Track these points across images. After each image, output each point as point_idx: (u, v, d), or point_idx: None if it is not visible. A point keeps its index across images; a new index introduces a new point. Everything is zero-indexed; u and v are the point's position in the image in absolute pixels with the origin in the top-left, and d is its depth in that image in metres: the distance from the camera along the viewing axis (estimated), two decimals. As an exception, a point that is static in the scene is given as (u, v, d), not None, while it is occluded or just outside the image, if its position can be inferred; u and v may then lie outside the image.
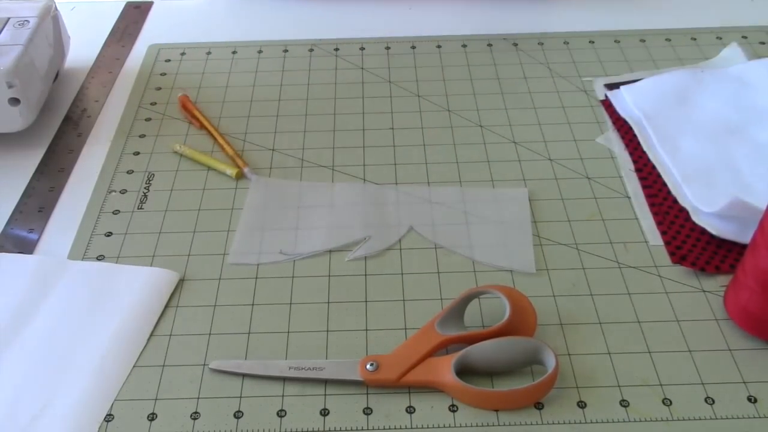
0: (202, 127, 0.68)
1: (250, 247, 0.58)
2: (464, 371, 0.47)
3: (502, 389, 0.47)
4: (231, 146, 0.66)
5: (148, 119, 0.71)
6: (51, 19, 0.71)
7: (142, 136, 0.69)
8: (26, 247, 0.58)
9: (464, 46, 0.79)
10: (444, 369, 0.47)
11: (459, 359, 0.47)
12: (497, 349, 0.48)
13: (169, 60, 0.78)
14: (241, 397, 0.48)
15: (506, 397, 0.47)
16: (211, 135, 0.67)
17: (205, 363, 0.50)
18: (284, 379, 0.49)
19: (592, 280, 0.55)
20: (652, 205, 0.60)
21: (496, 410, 0.47)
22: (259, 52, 0.79)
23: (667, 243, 0.57)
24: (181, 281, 0.55)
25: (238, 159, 0.65)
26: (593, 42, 0.79)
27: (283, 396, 0.48)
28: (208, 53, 0.79)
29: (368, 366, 0.48)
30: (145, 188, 0.63)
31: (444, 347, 0.49)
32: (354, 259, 0.56)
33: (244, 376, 0.49)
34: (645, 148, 0.64)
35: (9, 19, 0.68)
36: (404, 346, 0.49)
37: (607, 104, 0.70)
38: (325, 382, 0.49)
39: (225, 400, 0.48)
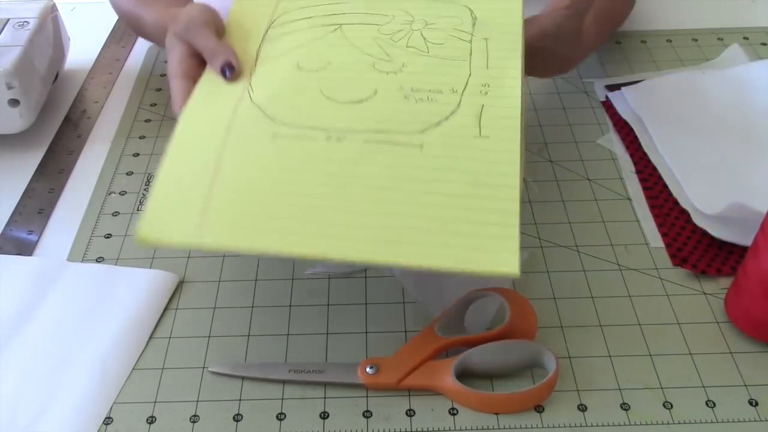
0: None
1: None
2: (464, 374, 0.47)
3: (503, 392, 0.47)
4: (231, 148, 0.66)
5: (147, 120, 0.70)
6: (51, 20, 0.71)
7: (142, 137, 0.68)
8: (26, 248, 0.58)
9: (465, 47, 0.79)
10: (444, 372, 0.47)
11: (459, 362, 0.47)
12: (497, 352, 0.48)
13: (169, 61, 0.78)
14: (240, 400, 0.48)
15: (506, 400, 0.47)
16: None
17: (205, 366, 0.50)
18: (284, 382, 0.49)
19: (592, 283, 0.54)
20: (653, 207, 0.60)
21: (497, 413, 0.47)
22: (260, 52, 0.79)
23: (668, 245, 0.57)
24: (180, 283, 0.55)
25: (238, 160, 0.64)
26: (594, 43, 0.79)
27: (282, 399, 0.48)
28: (208, 54, 0.79)
29: (368, 369, 0.48)
30: (144, 190, 0.63)
31: (444, 350, 0.49)
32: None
33: (243, 378, 0.49)
34: (646, 150, 0.64)
35: (9, 20, 0.68)
36: (404, 349, 0.49)
37: (608, 105, 0.70)
38: (325, 385, 0.48)
39: (224, 403, 0.48)
